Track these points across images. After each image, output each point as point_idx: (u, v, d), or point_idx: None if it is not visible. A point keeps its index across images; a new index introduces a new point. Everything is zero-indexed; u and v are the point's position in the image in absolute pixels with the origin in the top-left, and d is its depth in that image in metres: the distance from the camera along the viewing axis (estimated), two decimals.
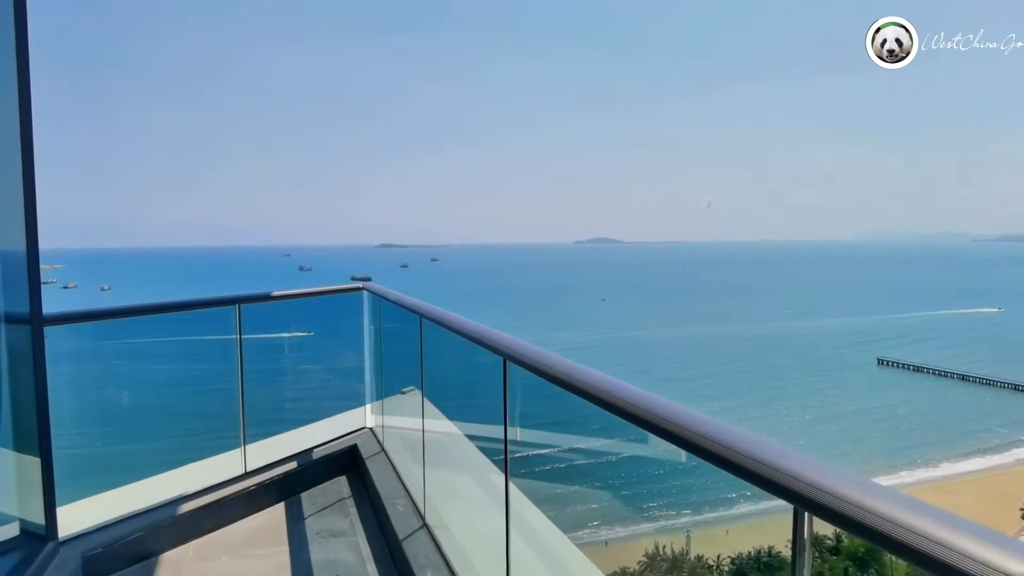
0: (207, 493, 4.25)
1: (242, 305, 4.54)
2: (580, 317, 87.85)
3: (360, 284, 5.18)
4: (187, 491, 4.23)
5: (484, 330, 2.55)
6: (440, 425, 3.69)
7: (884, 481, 33.53)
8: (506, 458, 2.45)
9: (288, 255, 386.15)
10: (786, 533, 1.04)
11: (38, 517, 3.15)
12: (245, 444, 4.57)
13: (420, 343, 3.68)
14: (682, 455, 1.33)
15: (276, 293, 4.83)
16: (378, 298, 4.94)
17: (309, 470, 4.83)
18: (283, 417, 5.21)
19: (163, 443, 4.56)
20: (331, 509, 4.40)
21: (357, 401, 5.54)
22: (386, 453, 4.83)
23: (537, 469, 3.17)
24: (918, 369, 55.97)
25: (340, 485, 4.82)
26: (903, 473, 35.66)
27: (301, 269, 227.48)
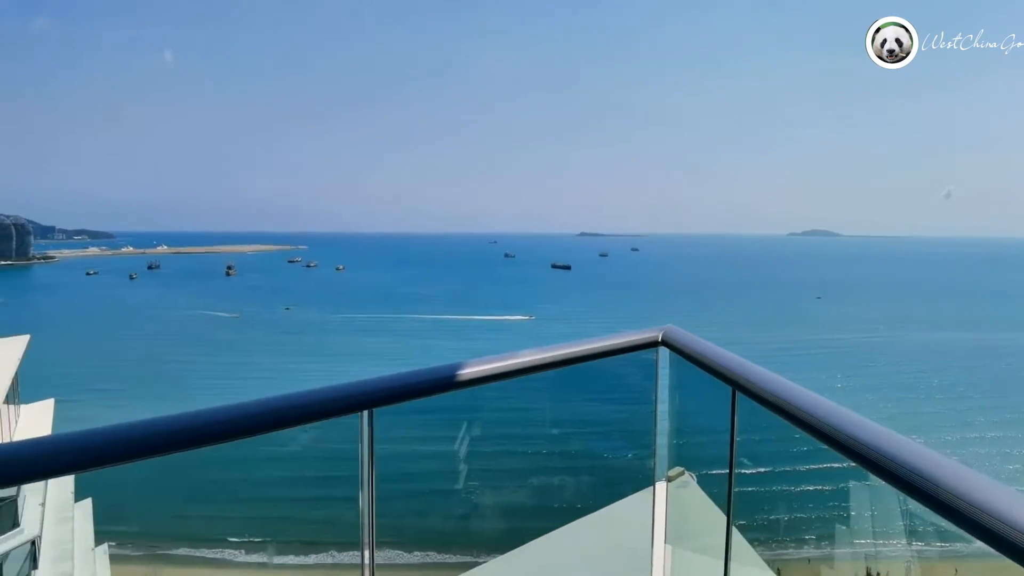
0: None
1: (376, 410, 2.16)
2: (791, 315, 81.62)
3: (658, 335, 2.80)
4: None
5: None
6: None
7: None
8: None
9: (495, 242, 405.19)
10: None
11: None
12: None
13: None
14: None
15: (478, 371, 2.35)
16: (690, 364, 2.60)
17: None
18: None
19: None
20: None
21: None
22: None
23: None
24: None
25: None
26: None
27: (506, 256, 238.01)
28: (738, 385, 2.10)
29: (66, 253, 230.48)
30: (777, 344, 61.44)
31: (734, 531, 2.38)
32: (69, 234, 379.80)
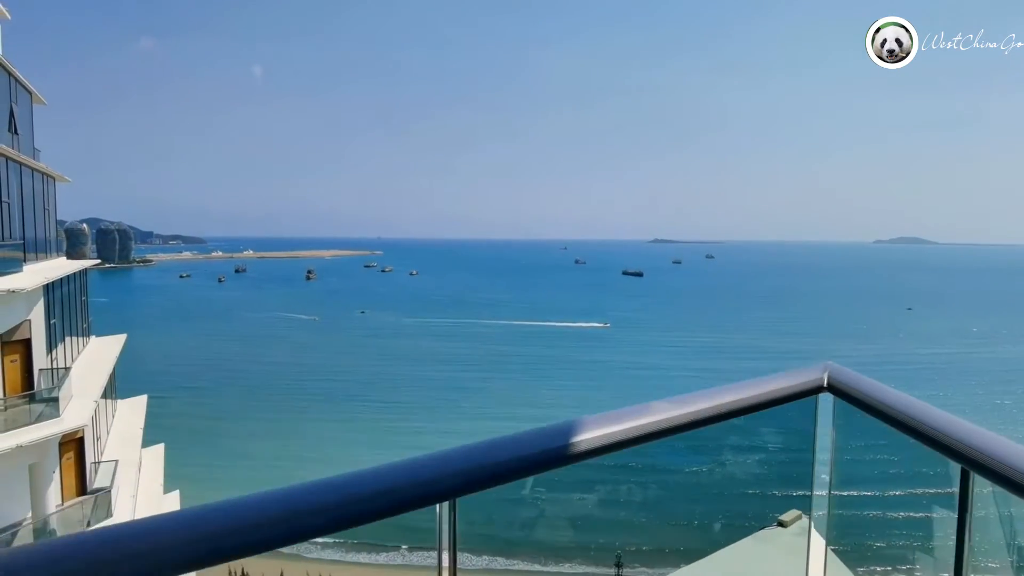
0: None
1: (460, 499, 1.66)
2: (879, 328, 77.70)
3: (820, 376, 2.24)
4: None
5: None
6: None
7: None
8: None
9: (565, 248, 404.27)
10: None
11: None
12: None
13: None
14: None
15: (593, 439, 1.69)
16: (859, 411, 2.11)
17: None
18: None
19: None
20: None
21: None
22: None
23: None
24: None
25: None
26: None
27: (577, 262, 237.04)
28: (977, 464, 1.61)
29: (162, 257, 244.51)
30: (866, 358, 58.61)
31: None
32: (165, 239, 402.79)
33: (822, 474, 2.44)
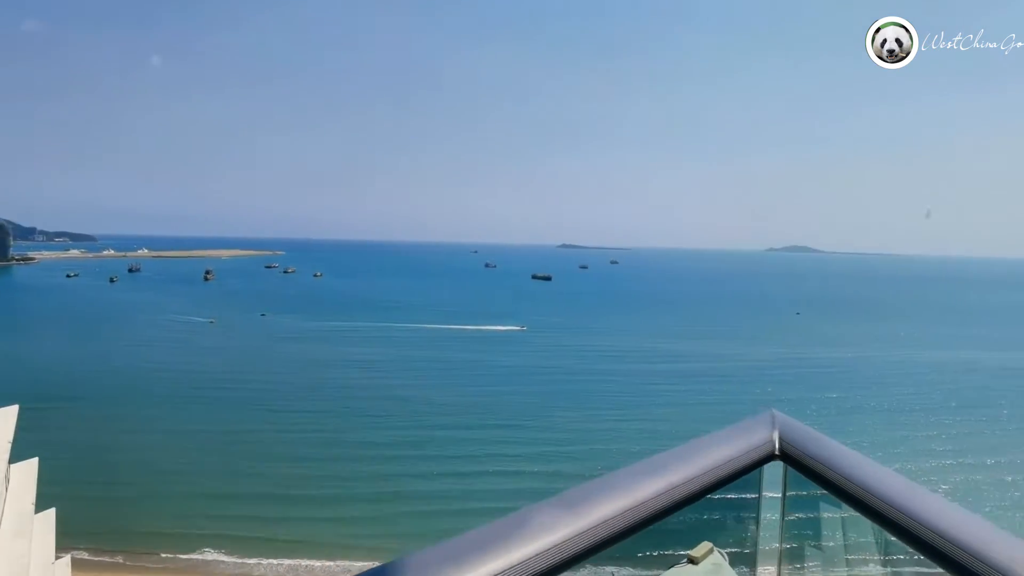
0: None
1: None
2: (769, 331, 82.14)
3: (769, 438, 1.78)
4: None
5: None
6: None
7: None
8: None
9: (475, 252, 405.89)
10: None
11: None
12: None
13: None
14: None
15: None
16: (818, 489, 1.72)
17: None
18: None
19: None
20: None
21: None
22: None
23: None
24: None
25: None
26: None
27: (487, 266, 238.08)
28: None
29: (46, 255, 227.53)
30: (761, 359, 61.59)
31: None
32: (50, 236, 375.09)
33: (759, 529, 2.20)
